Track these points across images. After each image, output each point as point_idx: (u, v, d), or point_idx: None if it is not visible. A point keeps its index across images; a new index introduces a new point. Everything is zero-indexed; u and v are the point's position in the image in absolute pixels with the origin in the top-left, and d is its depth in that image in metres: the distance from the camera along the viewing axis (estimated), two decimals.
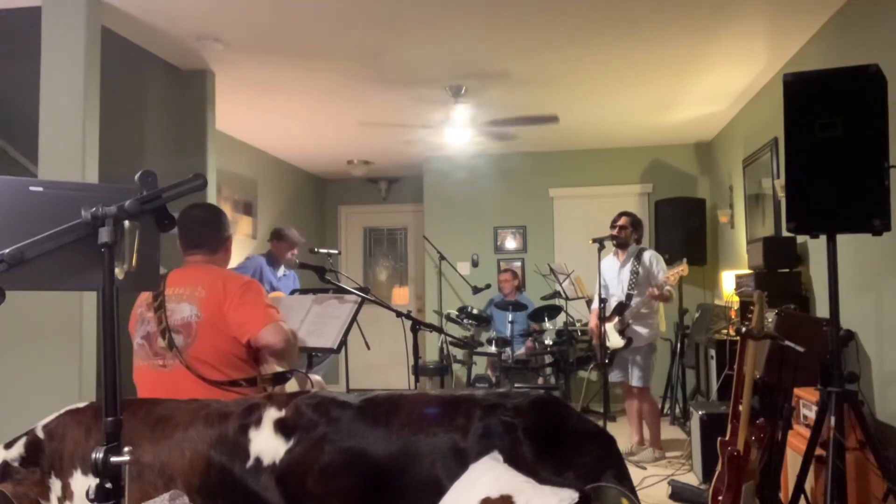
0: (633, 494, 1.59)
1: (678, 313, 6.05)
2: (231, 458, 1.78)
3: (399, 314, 3.14)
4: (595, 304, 4.99)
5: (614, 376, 4.96)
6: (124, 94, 4.36)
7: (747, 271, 4.69)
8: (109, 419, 1.22)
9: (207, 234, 2.48)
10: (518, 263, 7.33)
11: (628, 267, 4.86)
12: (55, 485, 1.92)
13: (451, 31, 4.01)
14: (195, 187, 1.34)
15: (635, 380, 4.80)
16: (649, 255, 4.86)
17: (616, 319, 4.83)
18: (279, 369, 2.48)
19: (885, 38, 3.19)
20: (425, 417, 1.72)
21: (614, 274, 4.97)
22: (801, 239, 4.21)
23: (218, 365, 2.31)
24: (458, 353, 6.57)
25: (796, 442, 3.03)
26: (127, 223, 1.23)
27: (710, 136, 6.82)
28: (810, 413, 2.99)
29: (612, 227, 4.93)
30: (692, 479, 4.15)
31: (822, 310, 3.95)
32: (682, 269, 4.63)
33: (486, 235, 7.46)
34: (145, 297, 2.42)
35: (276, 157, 7.34)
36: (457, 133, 5.62)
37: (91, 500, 1.19)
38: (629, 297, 4.79)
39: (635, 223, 4.94)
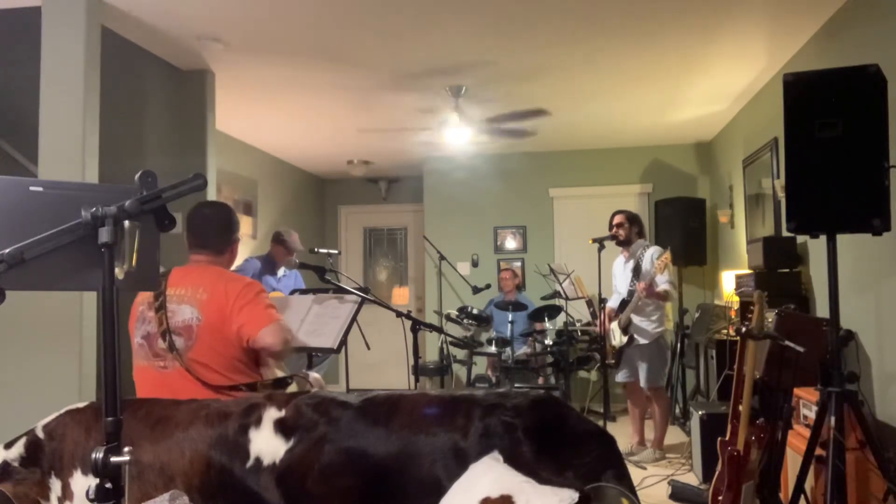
0: (633, 494, 1.59)
1: (678, 313, 6.05)
2: (231, 458, 1.78)
3: (399, 314, 3.14)
4: (611, 304, 4.98)
5: (621, 376, 4.94)
6: (124, 94, 4.36)
7: (747, 271, 4.69)
8: (109, 419, 1.22)
9: (216, 234, 2.47)
10: (518, 263, 7.33)
11: (631, 264, 4.87)
12: (55, 485, 1.92)
13: (452, 32, 4.00)
14: (195, 187, 1.34)
15: (643, 381, 4.77)
16: (650, 253, 4.84)
17: (619, 317, 4.83)
18: (280, 373, 2.48)
19: (885, 38, 3.19)
20: (425, 417, 1.72)
21: (621, 272, 4.99)
22: (801, 239, 4.21)
23: (219, 368, 2.30)
24: (458, 353, 6.57)
25: (796, 442, 3.03)
26: (127, 223, 1.23)
27: (710, 136, 6.81)
28: (810, 413, 2.99)
29: (610, 227, 4.94)
30: (692, 479, 4.15)
31: (822, 310, 3.95)
32: (665, 256, 4.60)
33: (486, 235, 7.46)
34: (146, 295, 2.41)
35: (276, 157, 7.34)
36: (457, 133, 5.62)
37: (91, 500, 1.18)
38: (630, 293, 4.79)
39: (631, 218, 4.94)
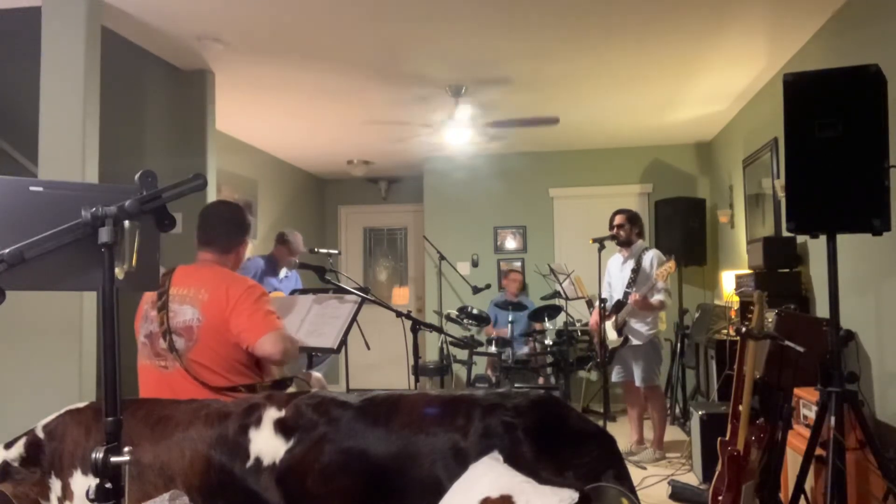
0: (633, 494, 1.59)
1: (678, 313, 6.05)
2: (231, 458, 1.78)
3: (399, 314, 3.14)
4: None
5: (616, 375, 4.95)
6: (124, 94, 4.36)
7: (747, 271, 4.69)
8: (109, 419, 1.22)
9: (224, 232, 2.48)
10: (518, 263, 7.34)
11: (629, 264, 4.87)
12: (55, 485, 1.92)
13: (452, 32, 4.00)
14: (195, 187, 1.34)
15: (638, 380, 4.79)
16: (650, 257, 4.83)
17: (614, 317, 4.83)
18: (278, 375, 2.47)
19: (885, 38, 3.19)
20: (425, 417, 1.72)
21: (618, 271, 4.99)
22: (801, 239, 4.20)
23: (218, 369, 2.30)
24: (458, 353, 6.57)
25: (796, 442, 3.03)
26: (127, 223, 1.23)
27: (710, 136, 6.81)
28: (810, 413, 2.99)
29: (611, 227, 4.93)
30: (692, 479, 4.15)
31: (822, 310, 3.95)
32: (670, 265, 4.61)
33: (486, 235, 7.46)
34: (151, 294, 2.41)
35: (276, 157, 7.34)
36: (457, 133, 5.62)
37: (91, 500, 1.18)
38: (626, 294, 4.79)
39: (632, 218, 4.94)
